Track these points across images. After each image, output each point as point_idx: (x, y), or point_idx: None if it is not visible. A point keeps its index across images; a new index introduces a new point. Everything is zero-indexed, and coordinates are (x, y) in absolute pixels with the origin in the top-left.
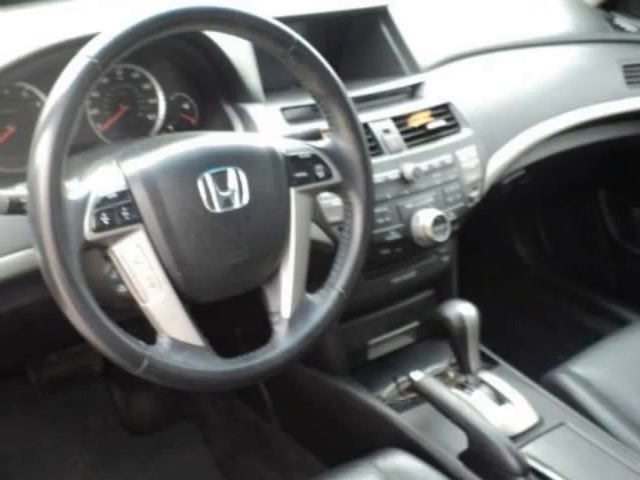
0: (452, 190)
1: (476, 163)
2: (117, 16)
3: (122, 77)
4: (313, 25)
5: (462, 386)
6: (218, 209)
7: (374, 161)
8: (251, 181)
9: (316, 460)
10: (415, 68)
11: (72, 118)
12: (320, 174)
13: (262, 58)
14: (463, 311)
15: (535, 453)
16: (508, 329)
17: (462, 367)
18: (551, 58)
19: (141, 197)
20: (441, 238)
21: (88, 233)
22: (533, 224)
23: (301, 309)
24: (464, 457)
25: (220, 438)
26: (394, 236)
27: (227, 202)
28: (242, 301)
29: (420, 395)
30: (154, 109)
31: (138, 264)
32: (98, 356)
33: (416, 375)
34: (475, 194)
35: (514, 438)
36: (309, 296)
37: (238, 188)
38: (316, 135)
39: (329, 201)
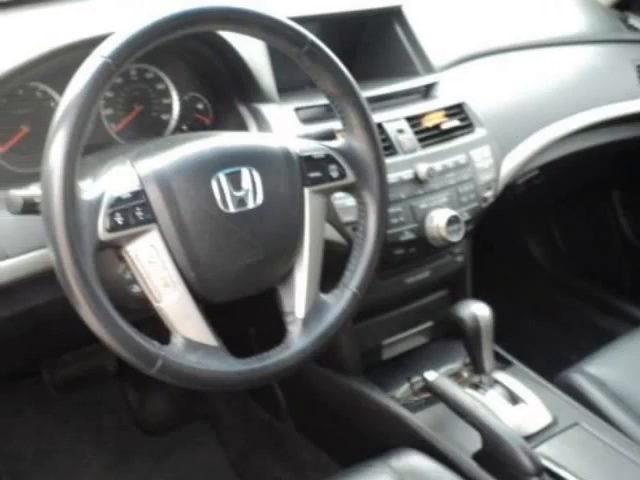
0: (466, 190)
1: (490, 163)
2: (131, 16)
3: (136, 77)
4: (327, 25)
5: (476, 386)
6: (232, 209)
7: (388, 161)
8: (265, 181)
9: (330, 460)
10: (429, 68)
11: (86, 118)
12: (334, 174)
13: (276, 58)
14: (477, 311)
15: (549, 453)
16: (522, 329)
17: (476, 367)
18: (565, 58)
19: (155, 197)
20: (455, 238)
21: (102, 233)
22: (547, 224)
23: (315, 309)
24: (478, 457)
25: (234, 438)
26: (408, 236)
27: (241, 202)
28: (256, 301)
29: (434, 395)
30: (168, 109)
31: (152, 264)
32: (112, 356)
33: (430, 375)
34: (489, 194)
35: (528, 438)
36: (323, 296)
37: (252, 188)
38: (330, 135)
39: (343, 201)
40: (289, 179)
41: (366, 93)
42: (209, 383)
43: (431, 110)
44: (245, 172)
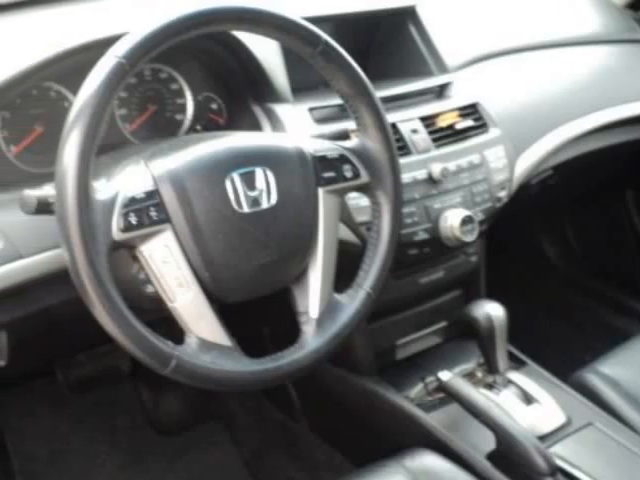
0: (480, 190)
1: (504, 163)
2: (145, 16)
3: (150, 77)
4: (341, 25)
5: (490, 386)
6: (246, 209)
7: (402, 161)
8: (279, 181)
9: (344, 460)
10: (443, 68)
11: (100, 118)
12: (348, 174)
13: (290, 58)
14: (491, 311)
15: (563, 453)
16: (536, 329)
17: (490, 367)
18: (579, 58)
19: (169, 197)
20: (469, 238)
21: (116, 233)
22: (561, 224)
23: (329, 309)
24: (492, 457)
25: (248, 438)
26: (422, 236)
27: (255, 202)
28: (270, 301)
29: (448, 395)
30: (182, 109)
31: (166, 264)
32: (126, 356)
33: (444, 375)
34: (503, 194)
35: (542, 438)
36: (337, 296)
37: (266, 188)
38: (344, 135)
39: (357, 201)
40: (303, 179)
41: (380, 93)
42: (223, 383)
43: (445, 110)
44: (259, 172)
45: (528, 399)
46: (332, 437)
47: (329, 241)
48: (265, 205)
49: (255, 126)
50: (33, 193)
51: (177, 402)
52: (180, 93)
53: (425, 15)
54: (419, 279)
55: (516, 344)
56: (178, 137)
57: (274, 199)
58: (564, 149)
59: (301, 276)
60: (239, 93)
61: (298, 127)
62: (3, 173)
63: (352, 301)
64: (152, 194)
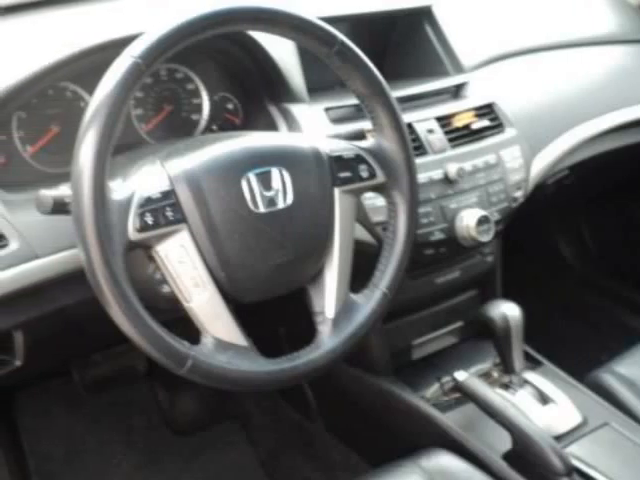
0: (496, 190)
1: (520, 163)
2: (161, 16)
3: (166, 77)
4: (357, 25)
5: (506, 386)
6: (262, 209)
7: (418, 161)
8: (295, 181)
9: (360, 460)
10: (459, 68)
11: (116, 118)
12: (364, 174)
13: (306, 58)
14: (507, 311)
15: (579, 453)
16: (552, 329)
17: (506, 367)
18: (595, 58)
19: (185, 197)
20: (485, 238)
21: (132, 233)
22: (577, 224)
23: (345, 309)
24: (508, 457)
25: (264, 438)
26: (438, 236)
27: (271, 202)
28: (286, 301)
29: (464, 395)
30: (198, 109)
31: (182, 264)
32: (142, 356)
33: (460, 375)
34: (519, 194)
35: (558, 438)
36: (353, 296)
37: (282, 188)
38: (360, 135)
39: (373, 201)
40: (319, 179)
41: (396, 93)
42: (239, 383)
43: (461, 110)
44: (275, 172)
45: (544, 399)
46: (348, 437)
47: (345, 241)
48: (281, 205)
49: (271, 126)
50: (49, 193)
51: (193, 402)
52: (196, 93)
53: (441, 15)
54: (435, 279)
55: (532, 344)
56: (194, 137)
57: (290, 199)
58: (580, 149)
59: (317, 276)
60: (255, 93)
61: (314, 127)
62: (19, 173)
63: (368, 301)
64: (168, 194)
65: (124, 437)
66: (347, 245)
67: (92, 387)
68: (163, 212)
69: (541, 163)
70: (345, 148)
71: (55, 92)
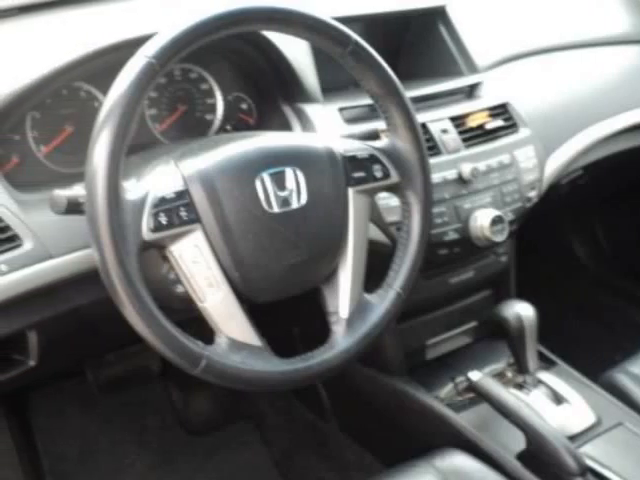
0: (510, 190)
1: (534, 163)
2: (175, 16)
3: (180, 77)
4: (371, 25)
5: (520, 386)
6: (276, 209)
7: (432, 161)
8: (309, 181)
9: (374, 460)
10: (473, 68)
11: (130, 118)
12: (378, 174)
13: (320, 58)
14: (521, 311)
15: (593, 453)
16: (566, 329)
17: (520, 367)
18: (609, 58)
19: (199, 197)
20: (499, 238)
21: (146, 233)
22: (591, 224)
23: (359, 309)
24: (522, 457)
25: (278, 438)
26: (452, 236)
27: (285, 202)
28: (300, 301)
29: (478, 395)
30: (212, 109)
31: (196, 264)
32: (156, 356)
33: (474, 375)
34: (533, 194)
35: (572, 438)
36: (367, 296)
37: (296, 188)
38: (374, 135)
39: (387, 201)
40: (333, 179)
41: (410, 93)
42: (253, 383)
43: (475, 110)
44: (289, 172)
45: (558, 399)
46: (362, 437)
47: (359, 241)
48: (295, 205)
49: (285, 126)
50: (63, 193)
51: (207, 402)
52: (210, 93)
53: (455, 15)
54: (449, 279)
55: (546, 344)
56: (208, 137)
57: (304, 199)
58: (594, 149)
59: (331, 276)
60: (269, 93)
61: (328, 127)
62: (33, 173)
63: (382, 301)
64: (182, 194)
65: (138, 437)
66: (361, 245)
67: (106, 387)
68: (177, 212)
69: (555, 163)
70: (359, 148)
71: (69, 92)
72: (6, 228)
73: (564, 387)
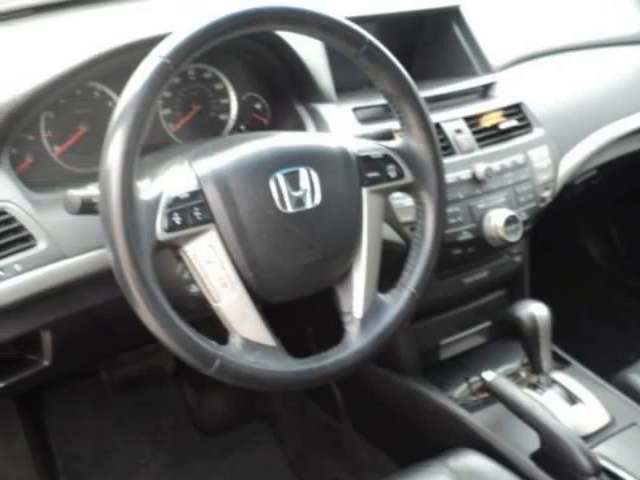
0: (524, 190)
1: (548, 163)
2: (189, 16)
3: (194, 77)
4: (385, 25)
5: (534, 386)
6: (290, 209)
7: (446, 161)
8: (323, 181)
9: (388, 460)
10: (487, 68)
11: (144, 118)
12: (392, 174)
13: (334, 58)
14: (535, 311)
15: (607, 453)
16: (580, 329)
17: (534, 367)
18: (623, 58)
19: (213, 197)
20: (513, 238)
21: (160, 233)
22: (605, 224)
23: (373, 309)
24: (536, 457)
25: (292, 438)
26: (466, 236)
27: (299, 202)
28: (314, 301)
29: (492, 395)
30: (226, 109)
31: (210, 264)
32: (170, 356)
33: (488, 375)
34: (547, 194)
35: (586, 438)
36: (381, 296)
37: (310, 188)
38: (388, 135)
39: (401, 201)
40: (347, 179)
41: (424, 93)
42: (267, 383)
43: (489, 110)
44: (303, 172)
45: (572, 399)
46: (376, 437)
47: (373, 241)
48: (309, 205)
49: (299, 126)
50: (77, 193)
51: (221, 402)
52: (224, 93)
53: (469, 15)
54: (463, 279)
55: (560, 344)
56: (222, 137)
57: (318, 199)
58: (608, 149)
59: (345, 276)
60: (283, 93)
61: (342, 127)
62: (47, 173)
63: (396, 301)
64: (196, 194)
65: (152, 437)
66: (375, 245)
67: (120, 387)
68: (191, 212)
69: (569, 163)
70: (373, 148)
71: (83, 92)
72: (20, 228)
73: (578, 387)
